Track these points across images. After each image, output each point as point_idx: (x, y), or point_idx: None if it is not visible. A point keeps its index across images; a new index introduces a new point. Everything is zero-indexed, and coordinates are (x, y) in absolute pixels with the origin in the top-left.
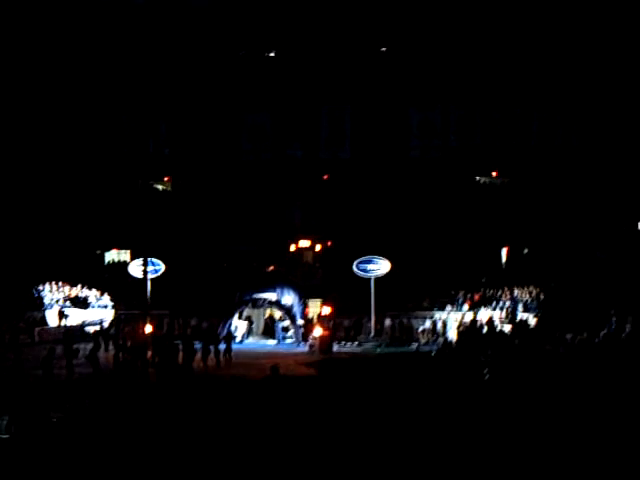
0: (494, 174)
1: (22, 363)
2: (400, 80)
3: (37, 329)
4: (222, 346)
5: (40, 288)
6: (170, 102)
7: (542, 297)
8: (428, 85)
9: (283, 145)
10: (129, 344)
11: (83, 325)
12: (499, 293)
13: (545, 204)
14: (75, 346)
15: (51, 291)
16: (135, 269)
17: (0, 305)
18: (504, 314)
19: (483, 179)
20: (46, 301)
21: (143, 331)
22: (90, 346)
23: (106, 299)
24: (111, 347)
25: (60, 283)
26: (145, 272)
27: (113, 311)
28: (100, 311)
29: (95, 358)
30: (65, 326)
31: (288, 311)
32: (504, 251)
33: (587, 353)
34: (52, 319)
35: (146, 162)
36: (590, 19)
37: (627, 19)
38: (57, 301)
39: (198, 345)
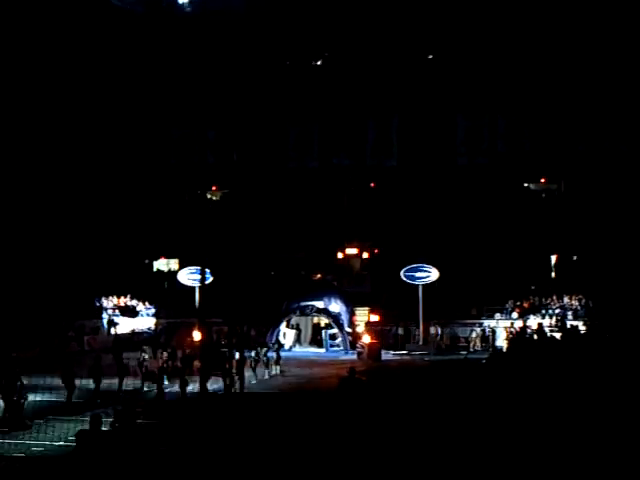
0: (543, 180)
1: (72, 372)
2: (447, 87)
3: (86, 337)
4: (271, 354)
5: (95, 297)
6: (218, 112)
7: (591, 305)
8: (475, 92)
9: (330, 154)
10: (179, 352)
11: (132, 334)
12: (548, 301)
13: (594, 210)
14: (124, 354)
15: (101, 300)
16: (184, 277)
17: (50, 313)
18: (554, 321)
19: (532, 185)
20: (98, 310)
21: (192, 339)
22: (139, 355)
23: (154, 308)
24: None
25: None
26: (203, 279)
27: (161, 320)
28: (149, 320)
29: (144, 367)
30: (115, 334)
31: (336, 319)
32: (553, 258)
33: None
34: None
35: (194, 172)
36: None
37: None
38: (107, 310)
39: (247, 353)
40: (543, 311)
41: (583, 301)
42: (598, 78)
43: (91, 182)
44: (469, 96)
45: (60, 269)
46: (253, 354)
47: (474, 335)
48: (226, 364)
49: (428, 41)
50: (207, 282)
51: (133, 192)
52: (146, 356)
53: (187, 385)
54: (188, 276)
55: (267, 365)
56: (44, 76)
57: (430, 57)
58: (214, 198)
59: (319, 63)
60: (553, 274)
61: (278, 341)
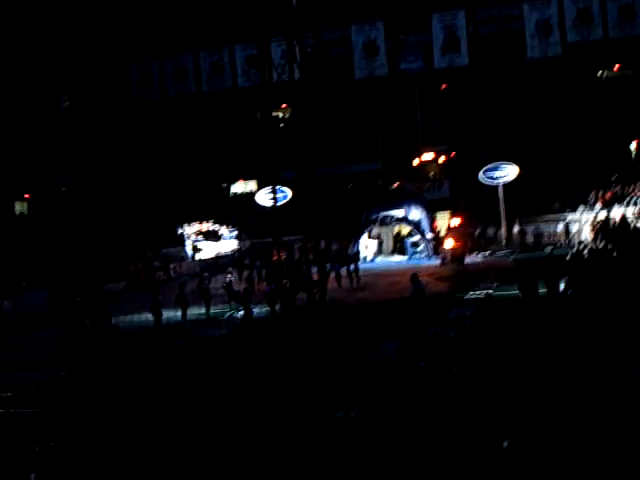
0: (617, 67)
1: (158, 301)
2: None
3: (172, 265)
4: (352, 267)
5: (178, 225)
6: (280, 26)
7: None
8: None
9: (397, 59)
10: (263, 272)
11: (217, 257)
12: (631, 189)
13: None
14: (212, 278)
15: (184, 227)
16: (262, 198)
17: (135, 244)
18: (638, 210)
19: (606, 73)
20: (181, 237)
21: (277, 257)
22: (225, 277)
23: (236, 230)
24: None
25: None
26: (274, 200)
27: (244, 241)
28: (232, 242)
29: (232, 289)
30: (200, 260)
31: (417, 226)
32: (633, 145)
33: None
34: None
35: (263, 90)
36: None
37: None
38: (190, 236)
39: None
40: (626, 201)
41: None
42: None
43: (163, 110)
44: None
45: (141, 200)
46: (328, 268)
47: (558, 230)
48: (306, 279)
49: None
50: (285, 200)
51: (205, 117)
52: (232, 278)
53: (275, 304)
54: (267, 196)
55: (350, 277)
56: None
57: None
58: (285, 116)
59: None
60: (635, 161)
61: (357, 253)
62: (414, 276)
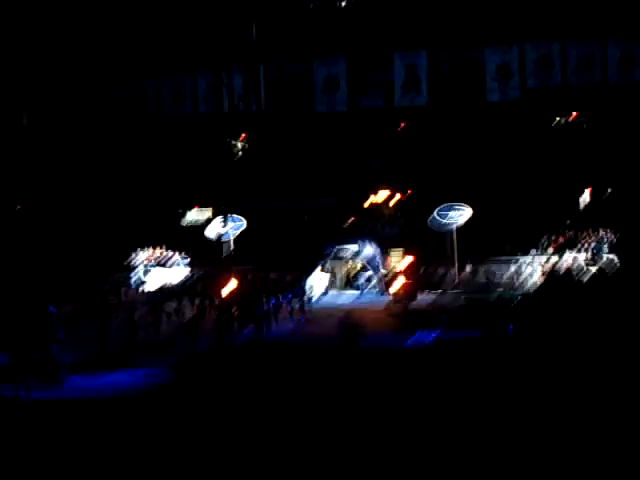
0: (574, 115)
1: (107, 325)
2: (475, 20)
3: (123, 290)
4: (304, 299)
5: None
6: (244, 56)
7: (627, 238)
8: (504, 24)
9: (358, 96)
10: (216, 301)
11: (169, 285)
12: (584, 235)
13: (628, 143)
14: (162, 306)
15: (136, 253)
16: (217, 227)
17: (86, 268)
18: (589, 256)
19: (563, 120)
20: (133, 263)
21: (228, 288)
22: (175, 304)
23: (188, 258)
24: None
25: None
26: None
27: (197, 269)
28: (184, 270)
29: (181, 317)
30: (151, 287)
31: (370, 262)
32: (587, 192)
33: None
34: (139, 280)
35: (222, 119)
36: None
37: None
38: (142, 262)
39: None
40: (578, 246)
41: (618, 234)
42: (627, 7)
43: (122, 134)
44: (498, 29)
45: (94, 224)
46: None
47: (510, 273)
48: (257, 312)
49: None
50: (240, 230)
51: (163, 143)
52: (183, 305)
53: (225, 333)
54: (221, 225)
55: (298, 311)
56: None
57: None
58: (244, 146)
59: (344, 4)
60: (587, 208)
61: (311, 286)
62: (347, 315)
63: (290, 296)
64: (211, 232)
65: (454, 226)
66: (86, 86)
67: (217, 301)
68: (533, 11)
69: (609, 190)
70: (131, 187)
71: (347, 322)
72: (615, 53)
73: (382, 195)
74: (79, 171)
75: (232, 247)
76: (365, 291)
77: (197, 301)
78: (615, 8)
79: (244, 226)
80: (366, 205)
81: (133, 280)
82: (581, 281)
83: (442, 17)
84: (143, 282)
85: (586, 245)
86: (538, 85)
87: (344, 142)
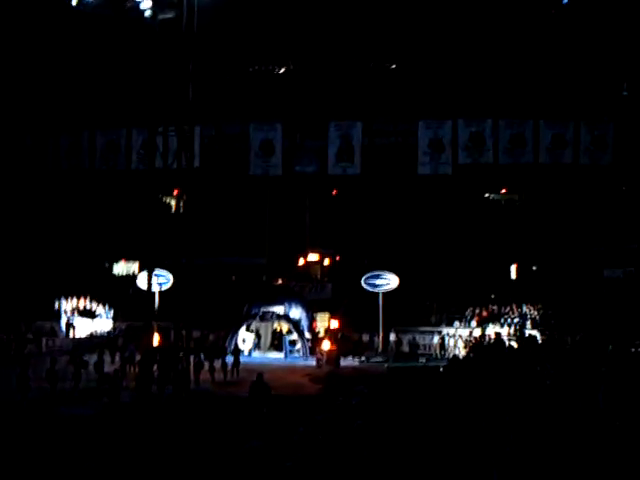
0: (503, 191)
1: (27, 375)
2: (409, 97)
3: (44, 339)
4: (229, 359)
5: (54, 299)
6: (179, 116)
7: (550, 314)
8: (437, 102)
9: (292, 161)
10: (137, 356)
11: (91, 336)
12: (507, 309)
13: (555, 221)
14: (84, 357)
15: (60, 302)
16: (143, 281)
17: (8, 315)
18: (512, 330)
19: (493, 196)
20: (57, 312)
21: (150, 343)
22: (97, 357)
23: (112, 311)
24: (117, 359)
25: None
26: (150, 283)
27: (120, 323)
28: (108, 322)
29: (102, 370)
30: (73, 337)
31: (296, 325)
32: (513, 268)
33: (594, 369)
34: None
35: (156, 176)
36: (593, 34)
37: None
38: (65, 312)
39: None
40: (502, 320)
41: (541, 311)
42: (559, 89)
43: (54, 184)
44: (431, 106)
45: (20, 270)
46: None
47: (433, 343)
48: (179, 369)
49: (390, 50)
50: (168, 286)
51: (95, 195)
52: (104, 358)
53: (144, 390)
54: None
55: (224, 370)
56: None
57: (393, 66)
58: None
59: (282, 71)
60: (513, 283)
61: (237, 346)
62: (259, 376)
63: (212, 356)
64: (141, 283)
65: (381, 293)
66: (20, 134)
67: (138, 356)
68: (467, 89)
69: (534, 267)
70: (60, 236)
71: (257, 384)
72: (547, 134)
73: (311, 258)
74: (8, 218)
75: (157, 302)
76: (290, 354)
77: (118, 355)
78: (548, 91)
79: (171, 281)
80: (295, 267)
81: (56, 330)
82: (503, 355)
83: (378, 90)
84: (66, 332)
85: (509, 320)
86: (469, 161)
87: (277, 204)
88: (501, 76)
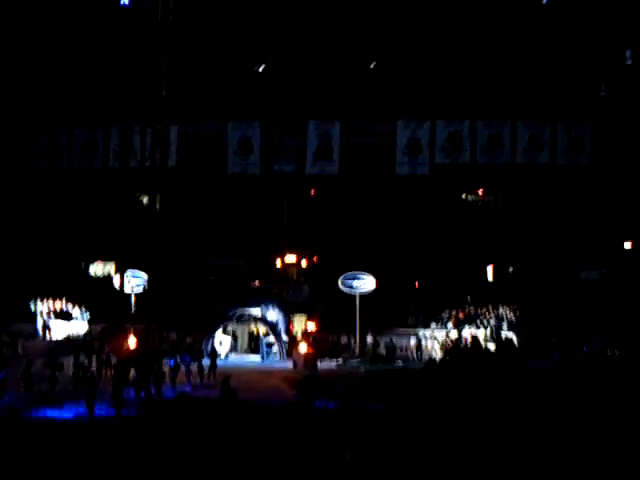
0: (480, 192)
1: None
2: (388, 96)
3: (20, 341)
4: (206, 362)
5: (30, 301)
6: (156, 114)
7: (526, 316)
8: (416, 101)
9: (270, 160)
10: (113, 359)
11: (68, 338)
12: (483, 311)
13: (531, 223)
14: (60, 359)
15: (36, 304)
16: (122, 281)
17: None
18: (488, 332)
19: (469, 197)
20: (32, 313)
21: (127, 345)
22: (73, 360)
23: (88, 312)
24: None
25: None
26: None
27: (96, 325)
28: (84, 324)
29: (78, 373)
30: (50, 339)
31: (273, 327)
32: (490, 269)
33: (569, 371)
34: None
35: (132, 175)
36: (571, 34)
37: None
38: (42, 313)
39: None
40: (479, 321)
41: (518, 312)
42: (536, 89)
43: (30, 182)
44: (410, 105)
45: None
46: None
47: (410, 345)
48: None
49: (370, 48)
50: (142, 286)
51: (72, 194)
52: (81, 361)
53: (120, 393)
54: (125, 280)
55: (201, 373)
56: None
57: (372, 65)
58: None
59: (261, 69)
60: (489, 284)
61: (214, 349)
62: (225, 380)
63: (188, 358)
64: (117, 284)
65: (358, 294)
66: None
67: (114, 359)
68: (446, 89)
69: (511, 268)
70: (35, 236)
71: (226, 386)
72: (524, 134)
73: (289, 260)
74: None
75: (133, 304)
76: (267, 356)
77: (94, 357)
78: (525, 91)
79: (146, 283)
80: (273, 269)
81: (32, 332)
82: (480, 356)
83: (357, 89)
84: (42, 334)
85: (485, 322)
86: (447, 161)
87: (254, 204)
88: (479, 76)
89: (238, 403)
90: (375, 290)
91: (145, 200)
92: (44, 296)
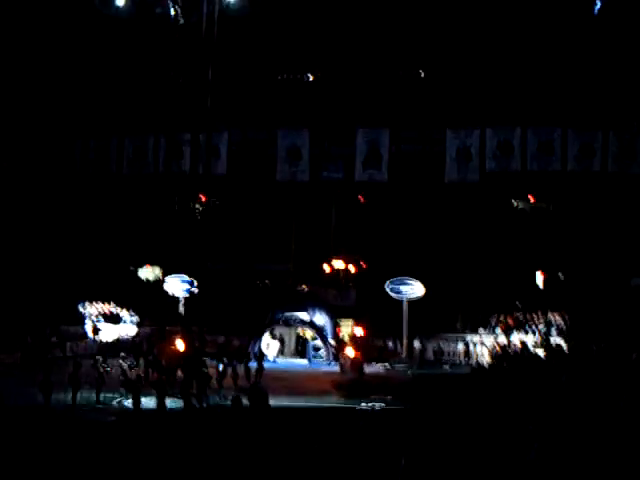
0: (531, 199)
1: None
2: (437, 104)
3: (69, 343)
4: (253, 364)
5: (79, 303)
6: (209, 121)
7: (576, 322)
8: (465, 109)
9: (319, 167)
10: (163, 362)
11: (117, 341)
12: (533, 317)
13: (582, 229)
14: (108, 361)
15: (85, 306)
16: (173, 286)
17: (34, 319)
18: (538, 338)
19: (520, 203)
20: (81, 316)
21: (175, 348)
22: (120, 362)
23: (137, 316)
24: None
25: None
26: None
27: (145, 327)
28: (132, 327)
29: (125, 375)
30: (99, 341)
31: (320, 331)
32: (539, 275)
33: (620, 378)
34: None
35: (183, 181)
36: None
37: None
38: (91, 316)
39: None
40: (527, 327)
41: (567, 318)
42: (586, 97)
43: (80, 187)
44: (459, 113)
45: (45, 274)
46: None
47: (458, 350)
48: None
49: (420, 57)
50: (192, 291)
51: (121, 199)
52: (126, 364)
53: (165, 397)
54: (177, 284)
55: (247, 375)
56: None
57: (422, 73)
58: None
59: (311, 79)
60: (539, 291)
61: (261, 352)
62: (254, 385)
63: (235, 362)
64: (169, 288)
65: (405, 299)
66: (53, 140)
67: (163, 362)
68: (495, 97)
69: (561, 275)
70: (85, 240)
71: (256, 389)
72: (575, 142)
73: (337, 265)
74: (35, 220)
75: (182, 308)
76: (313, 360)
77: (142, 360)
78: (576, 99)
79: (196, 287)
80: (321, 273)
81: (81, 334)
82: (530, 362)
83: (407, 97)
84: (92, 337)
85: (534, 328)
86: (497, 169)
87: (303, 210)
88: (529, 84)
89: (269, 407)
90: (424, 295)
91: (196, 206)
92: (93, 299)
